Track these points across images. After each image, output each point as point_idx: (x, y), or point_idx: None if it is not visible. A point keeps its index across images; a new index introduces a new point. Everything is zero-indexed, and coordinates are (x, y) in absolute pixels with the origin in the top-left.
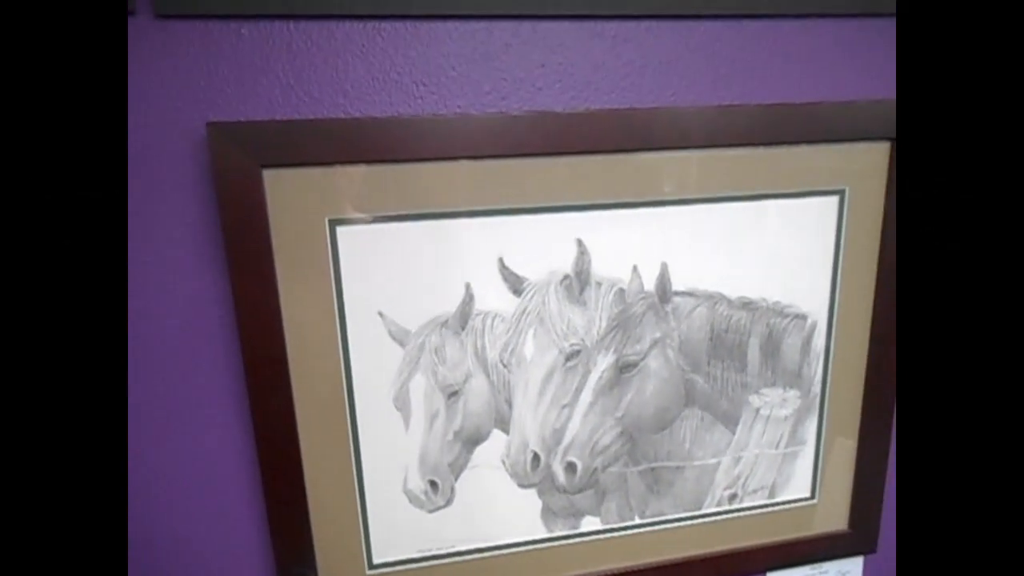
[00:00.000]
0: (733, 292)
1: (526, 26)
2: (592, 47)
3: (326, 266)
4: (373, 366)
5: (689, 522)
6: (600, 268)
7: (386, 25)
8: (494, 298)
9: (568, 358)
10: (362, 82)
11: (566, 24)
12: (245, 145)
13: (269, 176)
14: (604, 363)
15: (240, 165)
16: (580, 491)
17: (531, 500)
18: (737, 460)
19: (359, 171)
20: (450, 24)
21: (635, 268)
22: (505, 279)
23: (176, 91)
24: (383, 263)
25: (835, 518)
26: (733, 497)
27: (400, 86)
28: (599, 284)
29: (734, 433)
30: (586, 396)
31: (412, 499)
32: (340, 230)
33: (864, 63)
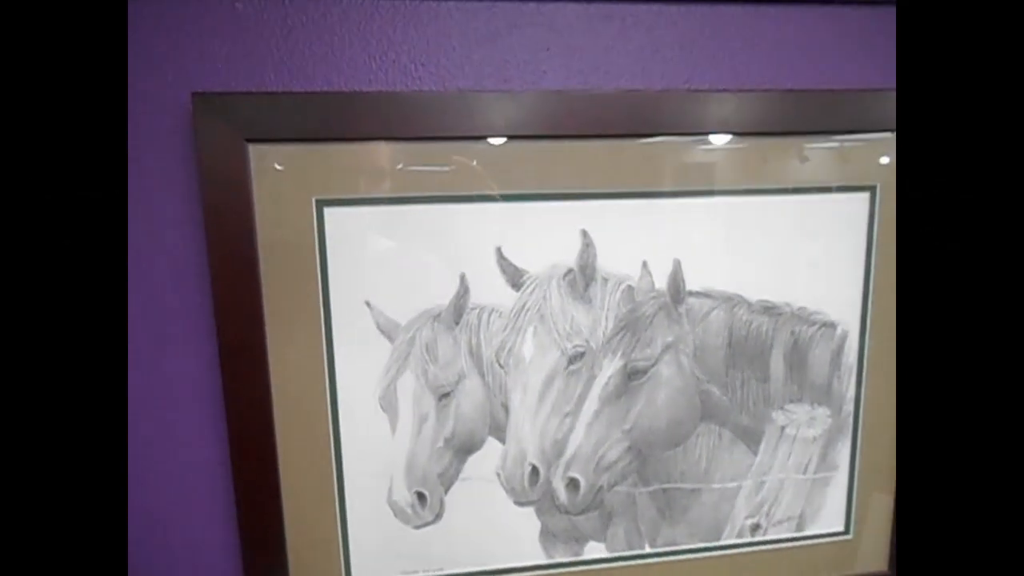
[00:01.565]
0: (753, 295)
1: (531, 6)
2: (601, 30)
3: (311, 249)
4: (359, 361)
5: (706, 554)
6: (607, 263)
7: (384, 3)
8: (491, 291)
9: (571, 361)
10: (358, 60)
11: (573, 5)
12: (230, 117)
13: (255, 151)
14: (611, 368)
15: (224, 139)
16: (583, 512)
17: (529, 520)
18: (760, 485)
19: (351, 149)
20: (451, 3)
21: (645, 264)
22: (503, 271)
23: (167, 65)
24: (373, 249)
25: (873, 557)
26: (756, 528)
27: (398, 65)
28: (606, 280)
29: (756, 454)
30: (590, 404)
31: (397, 512)
32: (328, 211)
33: (893, 48)
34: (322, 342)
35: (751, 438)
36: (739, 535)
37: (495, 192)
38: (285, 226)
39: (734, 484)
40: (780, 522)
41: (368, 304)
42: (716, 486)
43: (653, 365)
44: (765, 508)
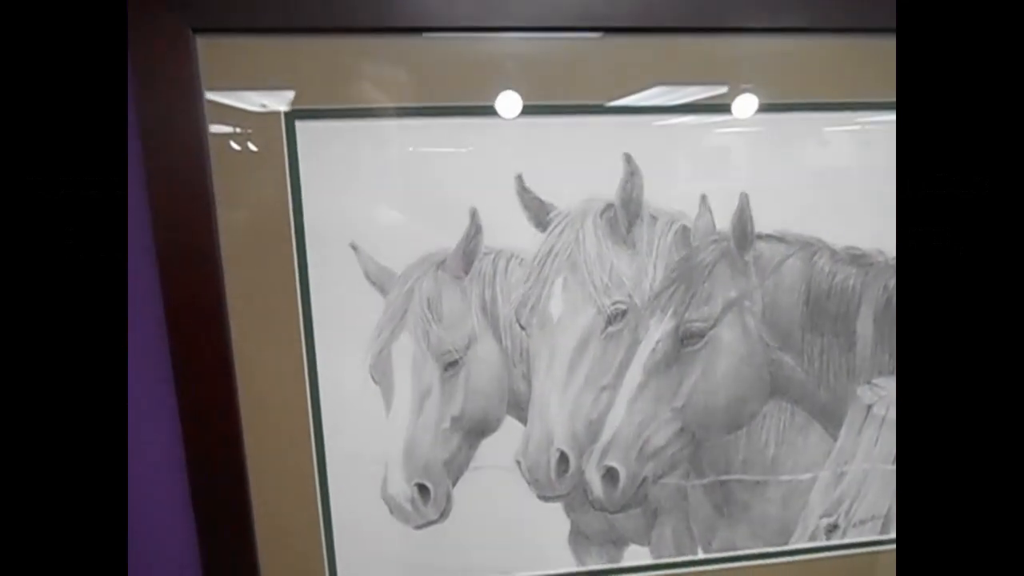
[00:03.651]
0: (838, 240)
1: None
2: None
3: (280, 175)
4: (343, 320)
5: (771, 560)
6: (656, 197)
7: None
8: (510, 232)
9: (610, 321)
10: None
11: None
12: (173, 2)
13: (204, 45)
14: (659, 331)
15: (166, 29)
16: (623, 509)
17: (556, 518)
18: (839, 477)
19: (330, 44)
20: None
21: (704, 199)
22: (525, 206)
23: None
24: (358, 176)
25: None
26: (833, 529)
27: None
28: (654, 219)
29: (836, 438)
30: (634, 376)
31: (394, 509)
32: (300, 126)
33: None
34: (296, 297)
35: (830, 419)
36: (812, 538)
37: (515, 103)
38: (246, 144)
39: (808, 476)
40: (862, 522)
41: (354, 247)
42: (785, 478)
43: (712, 327)
44: (845, 505)
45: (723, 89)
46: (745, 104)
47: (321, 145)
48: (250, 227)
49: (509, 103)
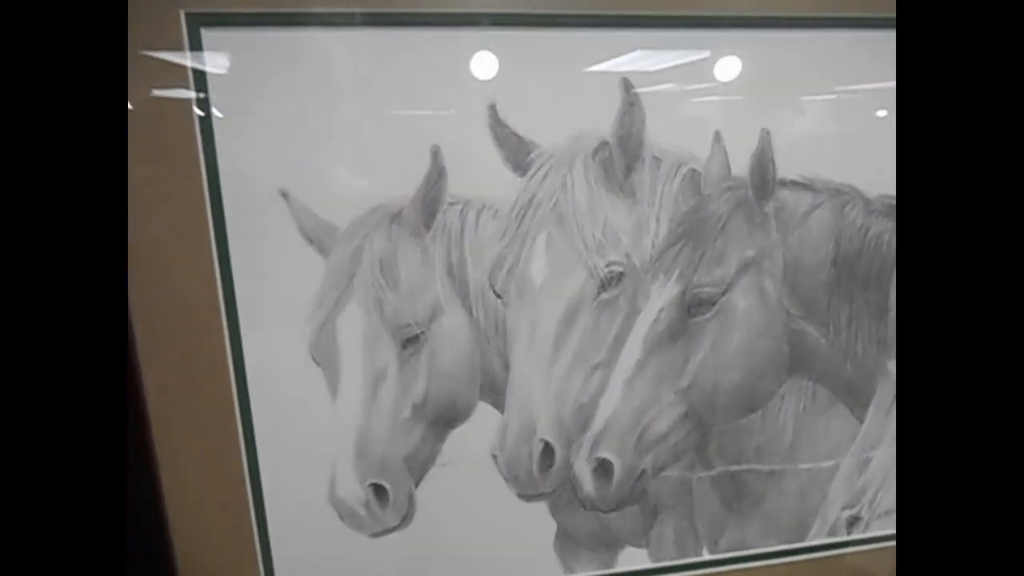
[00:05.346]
0: (873, 188)
1: None
2: None
3: (185, 104)
4: (273, 288)
5: (787, 559)
6: (659, 135)
7: None
8: (481, 175)
9: (604, 285)
10: None
11: None
12: None
13: None
14: (662, 298)
15: None
16: (618, 507)
17: (540, 520)
18: (864, 464)
19: None
20: None
21: (717, 136)
22: (500, 143)
23: None
24: (287, 103)
25: None
26: (855, 522)
27: None
28: (657, 161)
29: (862, 420)
30: (631, 351)
31: (344, 515)
32: (207, 35)
33: None
34: (212, 259)
35: (856, 398)
36: (832, 532)
37: (488, 9)
38: (143, 57)
39: (829, 463)
40: (887, 513)
41: (284, 194)
42: (805, 466)
43: (724, 293)
44: (869, 495)
45: (741, 3)
46: (766, 18)
47: (237, 61)
48: (149, 170)
49: (480, 9)
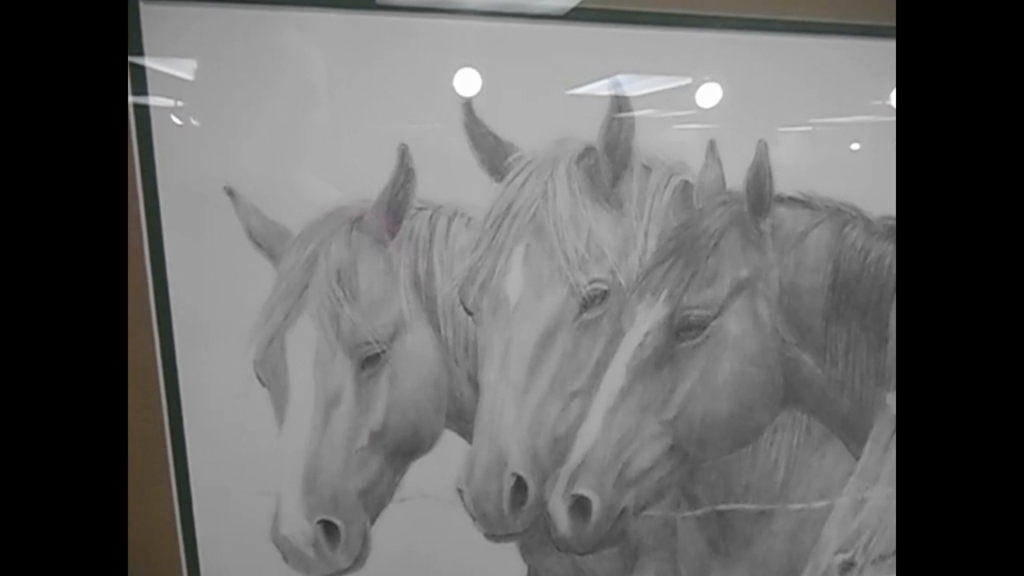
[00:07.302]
0: (876, 208)
1: None
2: None
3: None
4: (215, 297)
5: None
6: (650, 141)
7: None
8: (454, 179)
9: (585, 306)
10: None
11: None
12: None
13: None
14: (649, 320)
15: None
16: (595, 549)
17: (509, 563)
18: (859, 505)
19: None
20: None
21: (712, 146)
22: (476, 144)
23: None
24: (236, 91)
25: None
26: (848, 568)
27: None
28: (647, 171)
29: (858, 456)
30: (614, 378)
31: (289, 555)
32: (146, 9)
33: None
34: (144, 260)
35: (853, 433)
36: None
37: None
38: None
39: (823, 503)
40: (882, 558)
41: (231, 193)
42: (796, 507)
43: (716, 316)
44: (864, 538)
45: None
46: (768, 20)
47: (179, 41)
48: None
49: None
